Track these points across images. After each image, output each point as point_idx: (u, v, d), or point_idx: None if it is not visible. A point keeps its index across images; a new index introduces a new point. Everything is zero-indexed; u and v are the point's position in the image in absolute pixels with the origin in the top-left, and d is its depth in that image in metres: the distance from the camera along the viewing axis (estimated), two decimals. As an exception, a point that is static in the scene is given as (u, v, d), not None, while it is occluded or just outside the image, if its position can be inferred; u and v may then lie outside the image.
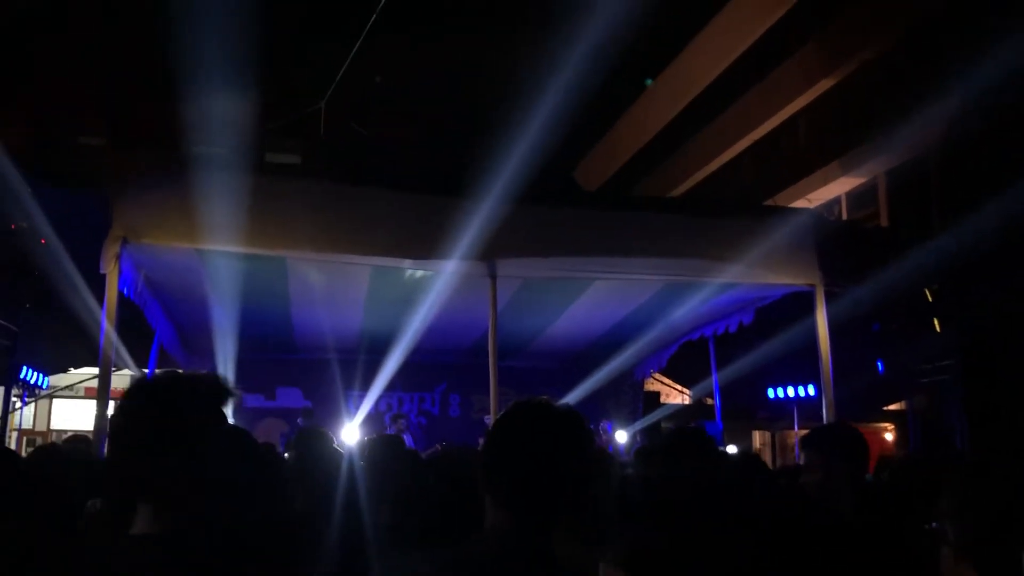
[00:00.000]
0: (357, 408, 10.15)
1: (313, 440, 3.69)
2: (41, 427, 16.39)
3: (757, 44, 19.59)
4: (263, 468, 2.75)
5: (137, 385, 1.83)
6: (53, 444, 4.34)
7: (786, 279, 6.87)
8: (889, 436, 13.58)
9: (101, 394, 5.74)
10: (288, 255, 6.32)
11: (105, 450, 1.81)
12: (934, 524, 2.02)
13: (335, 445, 3.75)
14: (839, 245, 6.98)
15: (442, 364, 10.93)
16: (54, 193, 7.04)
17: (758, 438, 15.09)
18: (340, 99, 14.36)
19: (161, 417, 1.73)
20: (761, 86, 19.72)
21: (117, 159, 6.21)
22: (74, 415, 15.71)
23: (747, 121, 20.69)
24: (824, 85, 18.14)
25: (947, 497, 1.74)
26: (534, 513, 1.77)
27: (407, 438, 7.82)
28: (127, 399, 1.77)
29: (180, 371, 1.89)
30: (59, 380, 12.71)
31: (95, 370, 5.96)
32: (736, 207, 9.61)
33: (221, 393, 1.81)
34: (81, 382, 13.27)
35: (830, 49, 17.45)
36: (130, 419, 1.75)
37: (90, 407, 8.01)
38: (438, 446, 8.12)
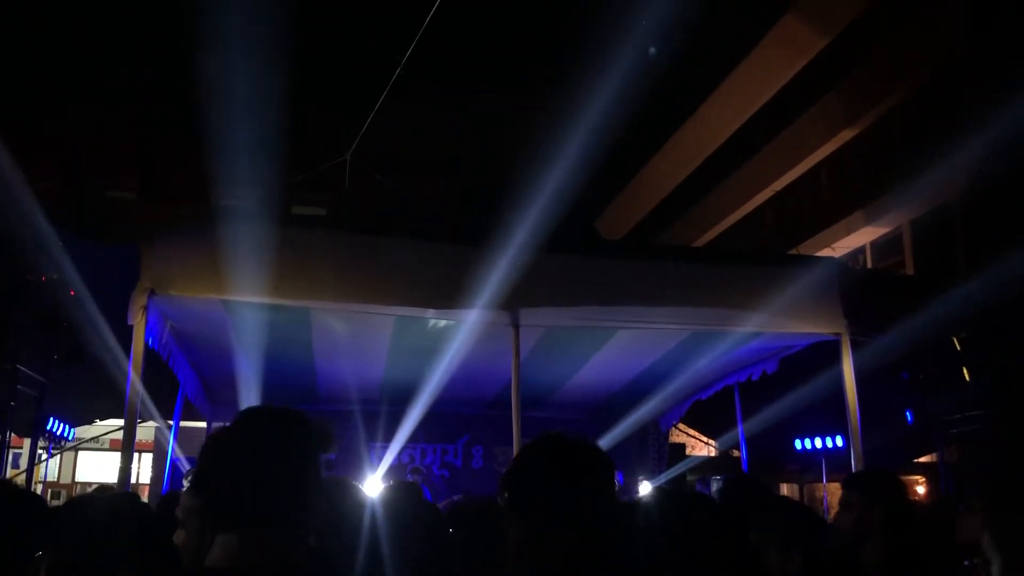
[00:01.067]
0: (380, 460, 10.11)
1: (339, 491, 3.67)
2: (66, 479, 16.45)
3: (778, 95, 19.71)
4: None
5: (258, 412, 1.84)
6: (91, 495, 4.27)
7: (811, 328, 6.81)
8: (921, 489, 13.34)
9: (126, 446, 5.73)
10: (312, 305, 6.36)
11: (198, 473, 1.82)
12: (966, 562, 2.00)
13: (359, 496, 3.74)
14: (864, 293, 6.94)
15: (465, 415, 10.88)
16: (84, 245, 7.15)
17: (786, 490, 14.86)
18: (365, 151, 14.55)
19: (284, 445, 1.74)
20: (783, 137, 19.79)
21: (146, 212, 6.33)
22: (99, 467, 15.76)
23: (769, 172, 20.72)
24: (846, 135, 18.18)
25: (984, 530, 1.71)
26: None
27: (425, 491, 7.76)
28: (246, 421, 1.79)
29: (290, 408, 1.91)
30: (84, 432, 12.77)
31: (120, 422, 5.98)
32: (760, 256, 9.57)
33: (327, 439, 1.84)
34: (106, 434, 13.34)
35: (851, 100, 17.51)
36: (248, 442, 1.75)
37: (115, 459, 8.02)
38: (453, 497, 8.04)
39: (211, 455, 1.76)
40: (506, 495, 1.96)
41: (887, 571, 2.83)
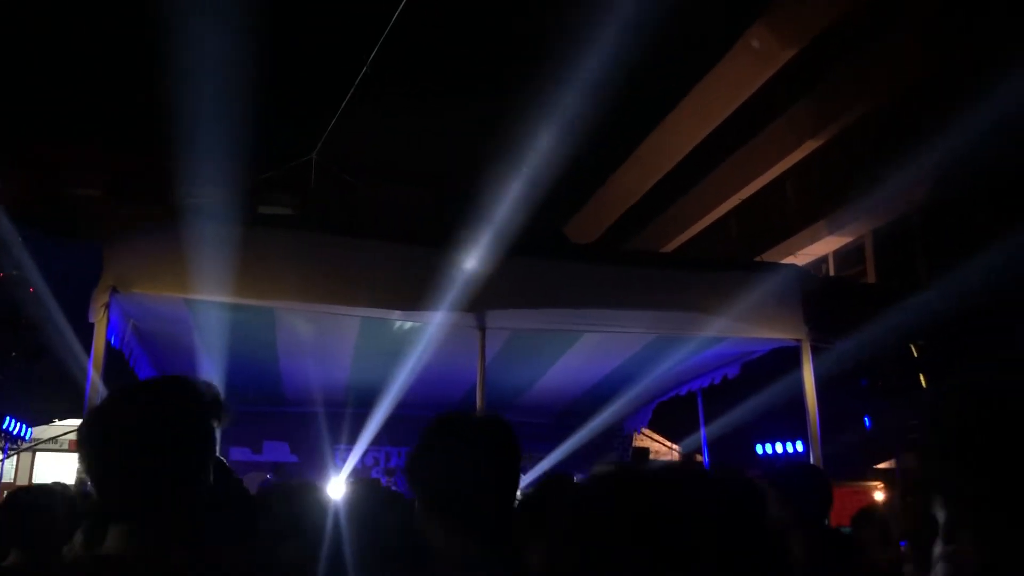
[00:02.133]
0: (344, 462, 10.06)
1: (300, 493, 3.66)
2: (23, 480, 16.18)
3: (745, 106, 19.91)
4: (245, 503, 2.72)
5: (134, 386, 1.75)
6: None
7: (772, 333, 6.90)
8: (879, 495, 13.51)
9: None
10: (277, 306, 6.33)
11: (85, 459, 1.66)
12: (903, 543, 2.08)
13: (321, 498, 3.73)
14: (825, 300, 7.03)
15: (430, 419, 10.83)
16: (45, 242, 7.08)
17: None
18: (332, 153, 14.51)
19: (159, 418, 1.62)
20: (749, 147, 20.00)
21: (109, 210, 6.28)
22: (57, 468, 15.53)
23: (734, 181, 20.94)
24: (810, 146, 18.42)
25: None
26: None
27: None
28: (120, 397, 1.67)
29: (175, 376, 1.77)
30: (42, 432, 12.58)
31: (79, 422, 5.90)
32: (723, 262, 9.68)
33: (219, 407, 1.73)
34: (65, 434, 13.14)
35: (817, 111, 17.75)
36: (125, 416, 1.63)
37: (73, 460, 7.93)
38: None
39: (85, 444, 1.65)
40: (406, 475, 2.01)
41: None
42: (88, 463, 1.64)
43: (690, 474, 1.38)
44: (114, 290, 5.69)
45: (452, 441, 2.06)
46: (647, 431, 12.86)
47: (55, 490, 3.61)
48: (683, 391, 9.18)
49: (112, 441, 1.61)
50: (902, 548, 5.45)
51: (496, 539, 1.88)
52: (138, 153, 17.15)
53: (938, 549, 1.07)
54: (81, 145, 17.48)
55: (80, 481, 5.67)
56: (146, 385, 1.79)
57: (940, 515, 1.09)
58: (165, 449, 1.61)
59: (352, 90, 11.08)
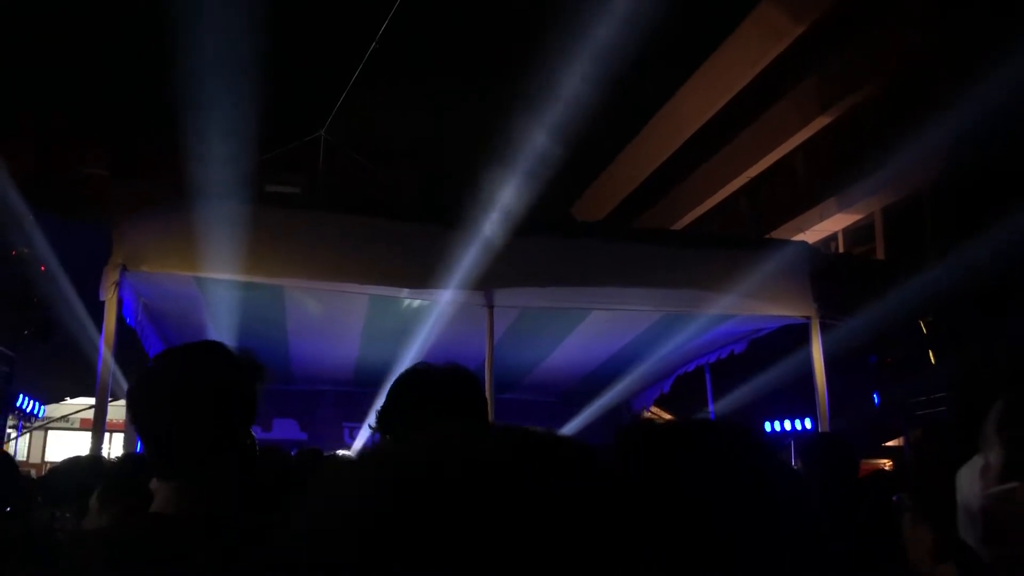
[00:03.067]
0: (353, 440, 10.12)
1: (316, 461, 3.72)
2: (35, 459, 16.31)
3: (754, 82, 19.81)
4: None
5: (179, 348, 1.78)
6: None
7: (781, 311, 6.90)
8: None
9: (97, 425, 5.68)
10: (286, 284, 6.36)
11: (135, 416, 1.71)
12: (895, 497, 2.10)
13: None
14: (834, 277, 7.02)
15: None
16: (55, 221, 7.11)
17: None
18: (340, 133, 14.50)
19: (206, 375, 1.67)
20: (758, 124, 19.91)
21: (118, 188, 6.28)
22: (69, 447, 15.64)
23: (744, 158, 20.85)
24: (820, 122, 18.32)
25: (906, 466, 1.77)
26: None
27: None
28: (168, 357, 1.74)
29: (214, 341, 1.82)
30: (53, 411, 12.66)
31: (91, 400, 5.94)
32: (731, 239, 9.66)
33: (257, 369, 1.77)
34: (76, 412, 13.22)
35: (826, 87, 17.64)
36: (174, 374, 1.68)
37: (85, 439, 7.99)
38: None
39: (135, 401, 1.70)
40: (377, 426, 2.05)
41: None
42: (138, 420, 1.68)
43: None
44: (124, 268, 5.71)
45: (414, 395, 2.11)
46: (655, 409, 12.89)
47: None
48: (691, 367, 9.18)
49: (162, 397, 1.66)
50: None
51: None
52: (146, 132, 17.18)
53: (984, 485, 1.06)
54: (89, 124, 17.51)
55: (96, 458, 5.72)
56: (191, 347, 1.84)
57: (993, 456, 1.08)
58: (212, 406, 1.65)
59: (361, 67, 11.06)
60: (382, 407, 2.14)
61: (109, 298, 5.70)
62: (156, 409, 1.66)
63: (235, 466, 1.68)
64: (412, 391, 2.14)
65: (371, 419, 2.15)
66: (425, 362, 2.22)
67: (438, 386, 2.14)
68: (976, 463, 1.09)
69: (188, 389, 1.65)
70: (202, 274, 5.92)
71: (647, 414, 12.59)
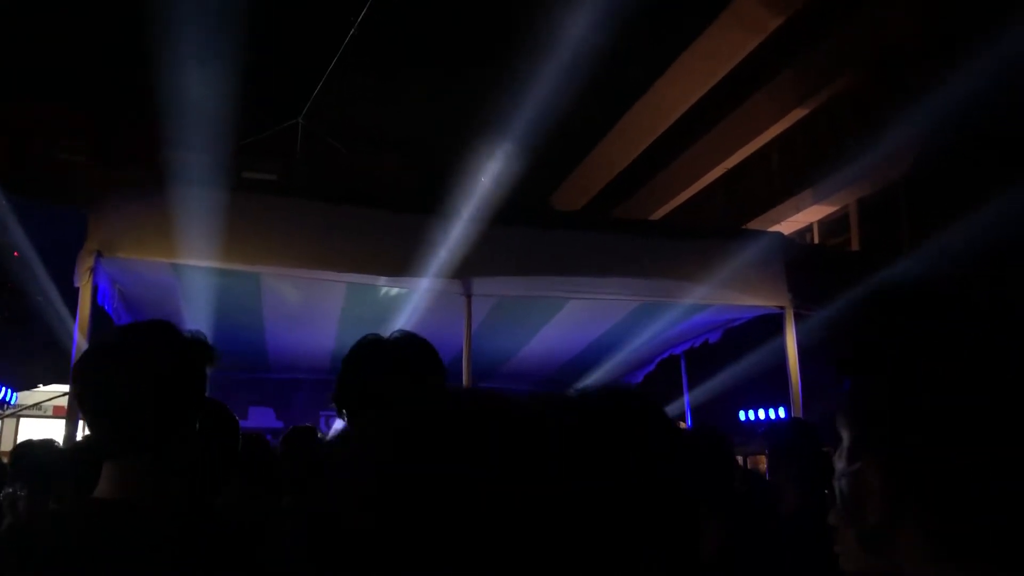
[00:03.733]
0: (330, 428, 10.11)
1: (303, 437, 3.74)
2: (7, 446, 16.16)
3: (731, 74, 19.88)
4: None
5: (126, 326, 1.77)
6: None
7: (756, 301, 6.97)
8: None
9: (71, 413, 5.60)
10: (262, 271, 6.34)
11: (79, 394, 1.72)
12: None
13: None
14: (808, 268, 7.09)
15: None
16: (30, 206, 7.04)
17: (730, 463, 15.14)
18: (317, 121, 14.43)
19: (152, 354, 1.64)
20: (734, 116, 20.00)
21: (94, 174, 6.23)
22: (41, 435, 15.49)
23: (720, 150, 20.95)
24: (797, 115, 18.45)
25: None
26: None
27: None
28: (113, 335, 1.71)
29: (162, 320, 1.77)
30: (26, 398, 12.55)
31: (64, 388, 5.91)
32: (707, 229, 9.73)
33: (208, 349, 1.76)
34: (49, 400, 13.11)
35: (803, 79, 17.74)
36: (119, 351, 1.65)
37: (58, 427, 7.92)
38: None
39: (79, 378, 1.68)
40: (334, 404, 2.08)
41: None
42: (82, 398, 1.66)
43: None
44: (99, 254, 5.67)
45: (367, 368, 2.15)
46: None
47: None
48: (666, 356, 9.25)
49: (106, 374, 1.63)
50: None
51: None
52: (122, 117, 17.01)
53: (840, 465, 1.10)
54: (64, 109, 17.33)
55: (50, 440, 5.67)
56: (138, 325, 1.83)
57: (845, 435, 1.13)
58: (158, 384, 1.63)
59: (339, 54, 11.01)
60: (337, 382, 2.18)
61: (84, 284, 5.66)
62: (102, 385, 1.64)
63: (183, 446, 1.66)
64: (365, 364, 2.17)
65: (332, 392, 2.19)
66: (376, 334, 2.26)
67: (390, 356, 2.17)
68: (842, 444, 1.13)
69: (135, 365, 1.63)
70: (178, 260, 5.89)
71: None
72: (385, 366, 2.13)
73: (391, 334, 2.28)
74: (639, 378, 10.28)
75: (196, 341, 1.74)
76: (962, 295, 1.08)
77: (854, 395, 1.14)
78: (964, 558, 0.92)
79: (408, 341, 2.23)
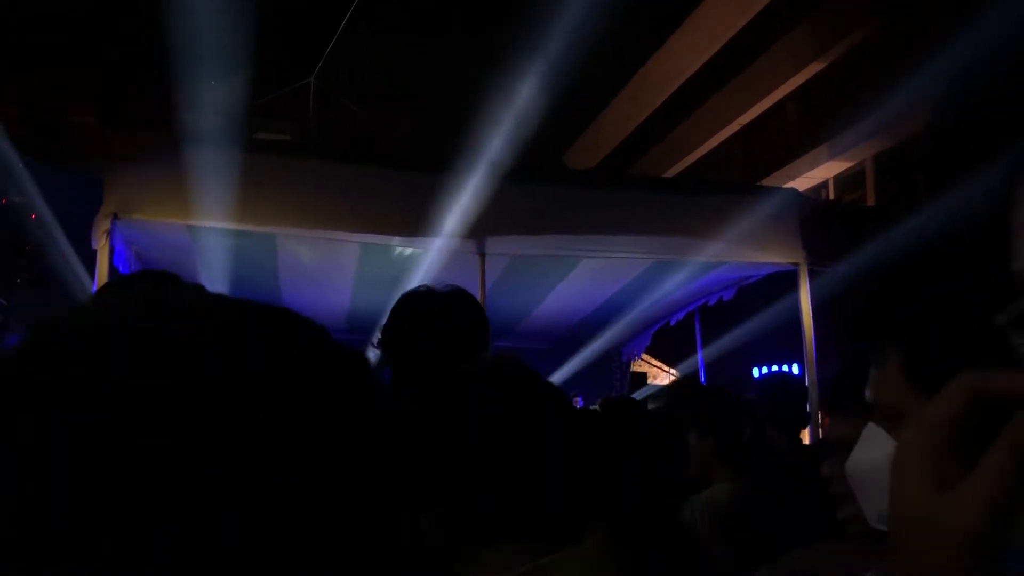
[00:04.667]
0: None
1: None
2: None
3: (746, 28, 19.64)
4: None
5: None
6: None
7: (769, 258, 6.96)
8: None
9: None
10: (277, 232, 6.38)
11: None
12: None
13: None
14: (823, 224, 7.07)
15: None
16: (46, 169, 7.09)
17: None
18: (330, 80, 14.39)
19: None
20: (749, 70, 19.78)
21: (108, 136, 6.28)
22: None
23: (736, 105, 20.76)
24: (813, 68, 18.23)
25: None
26: None
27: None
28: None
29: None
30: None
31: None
32: (720, 186, 9.68)
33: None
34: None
35: (819, 33, 17.51)
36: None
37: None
38: None
39: None
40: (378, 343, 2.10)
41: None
42: None
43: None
44: (115, 217, 5.73)
45: (419, 313, 2.17)
46: (645, 356, 13.02)
47: None
48: (681, 315, 9.27)
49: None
50: None
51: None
52: (134, 80, 17.00)
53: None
54: (77, 74, 17.34)
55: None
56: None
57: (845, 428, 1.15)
58: None
59: (351, 12, 10.95)
60: (384, 325, 2.20)
61: (101, 247, 5.72)
62: None
63: None
64: (412, 311, 2.20)
65: (375, 337, 2.22)
66: (427, 285, 2.28)
67: (440, 307, 2.20)
68: (877, 435, 1.13)
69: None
70: (194, 222, 5.94)
71: (637, 363, 12.71)
72: (432, 317, 2.16)
73: (441, 287, 2.31)
74: (655, 336, 10.32)
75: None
76: (974, 255, 1.08)
77: (913, 366, 1.10)
78: None
79: (458, 298, 2.26)
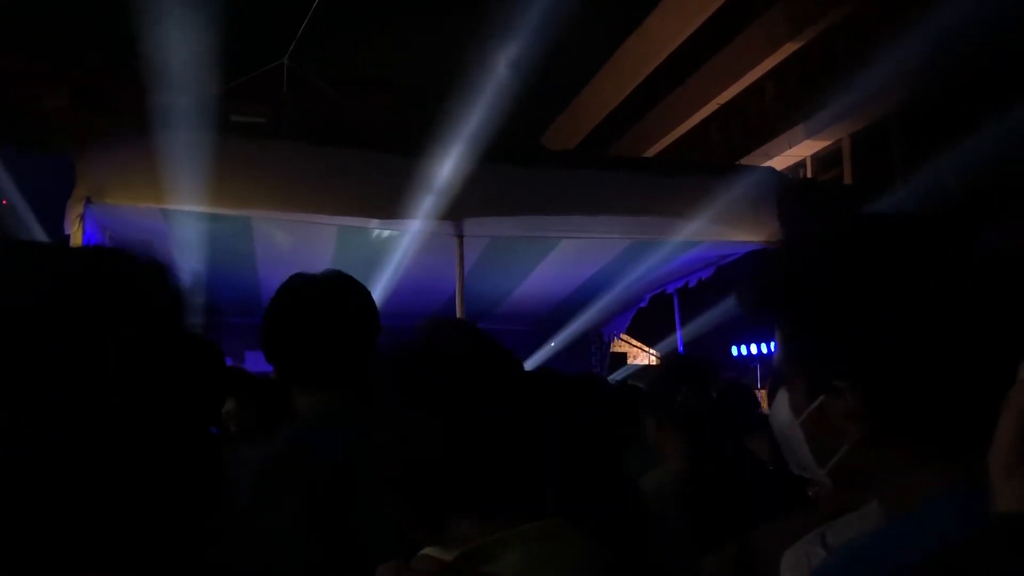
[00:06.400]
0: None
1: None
2: None
3: (723, 9, 19.64)
4: None
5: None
6: None
7: (747, 237, 6.98)
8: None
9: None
10: (253, 215, 6.33)
11: None
12: None
13: None
14: (800, 203, 7.09)
15: (410, 328, 10.89)
16: (16, 153, 6.97)
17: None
18: (304, 59, 14.26)
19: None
20: (727, 51, 19.82)
21: (80, 120, 6.18)
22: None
23: (714, 86, 20.80)
24: (789, 48, 18.27)
25: None
26: None
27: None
28: None
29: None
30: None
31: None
32: (698, 166, 9.71)
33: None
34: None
35: (794, 13, 17.55)
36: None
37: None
38: None
39: None
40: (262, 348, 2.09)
41: None
42: None
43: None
44: (88, 201, 5.66)
45: (301, 300, 2.14)
46: (625, 336, 13.06)
47: None
48: (657, 291, 9.29)
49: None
50: None
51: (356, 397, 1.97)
52: (105, 64, 16.79)
53: (786, 413, 1.16)
54: (47, 57, 17.10)
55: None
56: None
57: (795, 380, 1.17)
58: None
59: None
60: (264, 315, 2.19)
61: (74, 232, 5.65)
62: None
63: None
64: (293, 299, 2.18)
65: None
66: (304, 273, 2.23)
67: (321, 292, 2.17)
68: (782, 397, 1.16)
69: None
70: (168, 206, 5.87)
71: (617, 343, 12.75)
72: (318, 304, 2.13)
73: (322, 272, 2.26)
74: (633, 316, 10.34)
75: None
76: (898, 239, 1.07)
77: (792, 335, 1.14)
78: (945, 459, 0.96)
79: (340, 278, 2.21)
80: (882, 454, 1.01)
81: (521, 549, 1.07)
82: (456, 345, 1.28)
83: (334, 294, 2.15)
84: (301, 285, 2.15)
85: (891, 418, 0.99)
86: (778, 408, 1.16)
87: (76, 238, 5.65)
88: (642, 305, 9.88)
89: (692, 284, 8.46)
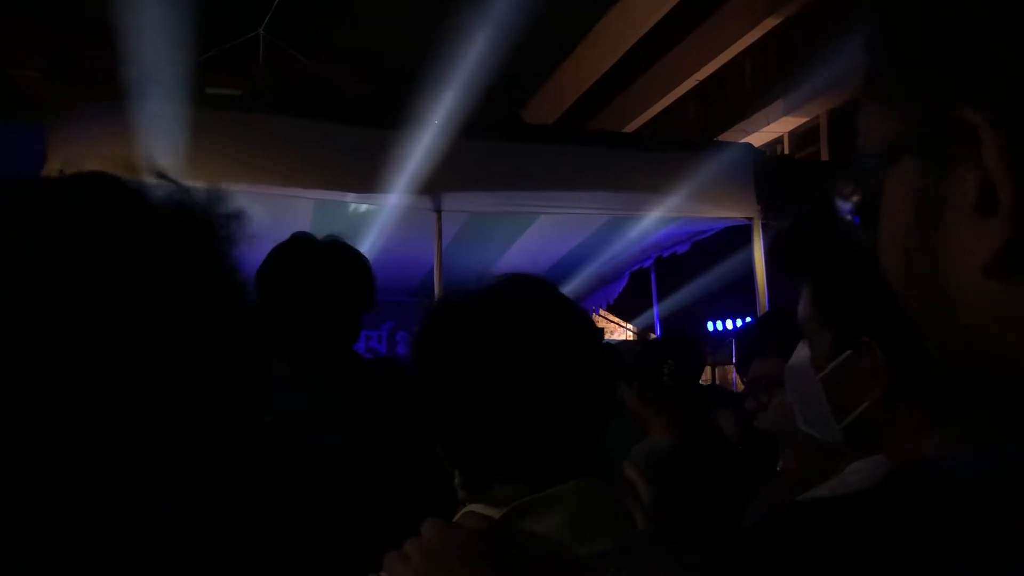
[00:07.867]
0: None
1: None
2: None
3: (703, -18, 19.57)
4: None
5: None
6: None
7: (724, 212, 7.02)
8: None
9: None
10: (228, 187, 6.27)
11: None
12: None
13: None
14: (777, 179, 7.12)
15: (389, 303, 10.88)
16: (-13, 125, 6.87)
17: (700, 373, 15.41)
18: (279, 31, 14.10)
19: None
20: (705, 26, 19.79)
21: (53, 90, 6.10)
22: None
23: (692, 61, 20.78)
24: (767, 24, 18.28)
25: None
26: None
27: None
28: None
29: None
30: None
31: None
32: (675, 141, 9.72)
33: None
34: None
35: (774, -13, 17.53)
36: None
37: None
38: None
39: None
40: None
41: None
42: None
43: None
44: (61, 173, 5.59)
45: (299, 259, 2.13)
46: (605, 313, 13.10)
47: None
48: (634, 268, 9.33)
49: None
50: None
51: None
52: (78, 32, 16.54)
53: (806, 369, 1.17)
54: (17, 25, 16.81)
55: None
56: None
57: (820, 335, 1.21)
58: None
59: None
60: (259, 269, 2.17)
61: (47, 204, 5.58)
62: None
63: None
64: (290, 257, 2.16)
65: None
66: (307, 233, 2.21)
67: (321, 254, 2.16)
68: (802, 352, 1.18)
69: None
70: (142, 180, 5.81)
71: (596, 317, 12.79)
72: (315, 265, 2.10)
73: (323, 237, 2.24)
74: (611, 291, 10.37)
75: None
76: None
77: (820, 294, 1.17)
78: (961, 419, 0.98)
79: (341, 245, 2.20)
80: (901, 413, 1.03)
81: (564, 505, 1.10)
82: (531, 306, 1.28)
83: (340, 260, 2.14)
84: (304, 244, 2.14)
85: (915, 377, 1.01)
86: (797, 362, 1.19)
87: (49, 211, 5.58)
88: (623, 282, 9.91)
89: (666, 255, 8.50)
